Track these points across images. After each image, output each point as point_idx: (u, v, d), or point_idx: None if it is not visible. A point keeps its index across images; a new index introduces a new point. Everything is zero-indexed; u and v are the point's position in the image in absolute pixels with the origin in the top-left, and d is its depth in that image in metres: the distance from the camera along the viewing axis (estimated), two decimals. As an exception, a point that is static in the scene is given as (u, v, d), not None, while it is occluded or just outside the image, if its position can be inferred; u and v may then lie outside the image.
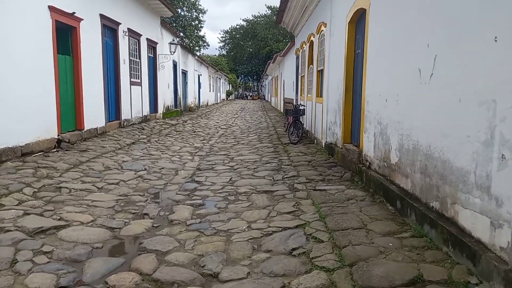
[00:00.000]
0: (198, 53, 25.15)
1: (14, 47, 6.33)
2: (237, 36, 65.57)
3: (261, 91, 69.66)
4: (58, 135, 7.64)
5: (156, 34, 14.89)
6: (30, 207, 4.37)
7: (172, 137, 11.27)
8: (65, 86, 8.07)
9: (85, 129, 8.82)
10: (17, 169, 5.84)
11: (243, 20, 65.00)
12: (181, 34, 21.60)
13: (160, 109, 15.88)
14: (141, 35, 12.93)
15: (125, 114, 11.53)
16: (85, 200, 4.80)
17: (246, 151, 8.82)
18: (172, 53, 15.62)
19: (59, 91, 7.61)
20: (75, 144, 8.24)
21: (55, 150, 7.48)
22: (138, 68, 12.91)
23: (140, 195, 5.15)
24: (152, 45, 14.58)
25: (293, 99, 15.89)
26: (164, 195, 5.28)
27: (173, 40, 15.67)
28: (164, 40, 16.01)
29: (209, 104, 33.58)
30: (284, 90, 21.30)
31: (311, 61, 11.01)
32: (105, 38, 10.19)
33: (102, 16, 9.68)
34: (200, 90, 28.68)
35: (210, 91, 35.32)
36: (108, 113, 10.40)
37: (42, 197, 4.79)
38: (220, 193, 5.28)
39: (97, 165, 6.70)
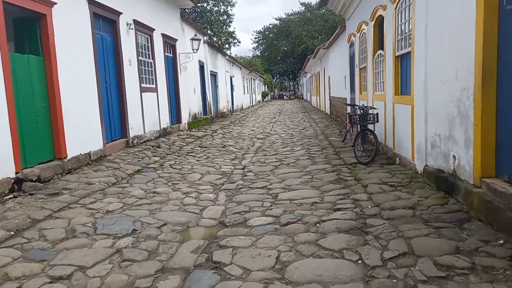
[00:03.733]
0: (228, 52, 22.56)
1: None
2: (271, 35, 63.68)
3: (298, 90, 66.73)
4: (16, 173, 5.15)
5: (174, 29, 12.37)
6: None
7: (194, 156, 8.61)
8: (30, 99, 5.60)
9: (69, 157, 6.32)
10: None
11: (276, 19, 62.70)
12: (208, 31, 19.06)
13: (185, 119, 13.36)
14: (154, 29, 10.41)
15: (134, 129, 9.02)
16: None
17: (296, 180, 5.94)
18: (195, 50, 13.05)
19: (14, 106, 5.11)
20: (50, 182, 5.74)
21: (11, 196, 4.98)
22: (151, 71, 10.40)
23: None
24: (170, 43, 12.07)
25: (345, 98, 12.80)
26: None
27: (195, 35, 13.10)
28: (185, 36, 13.49)
29: (243, 107, 30.99)
30: (330, 88, 18.18)
31: (377, 46, 7.95)
32: (99, 32, 7.70)
33: (91, 2, 7.18)
34: (233, 93, 26.12)
35: (244, 93, 32.73)
36: (107, 131, 7.90)
37: None
38: (261, 311, 2.47)
39: (57, 226, 4.08)
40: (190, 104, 14.24)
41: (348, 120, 7.75)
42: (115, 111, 8.34)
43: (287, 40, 59.76)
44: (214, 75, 19.68)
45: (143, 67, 9.87)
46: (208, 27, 19.38)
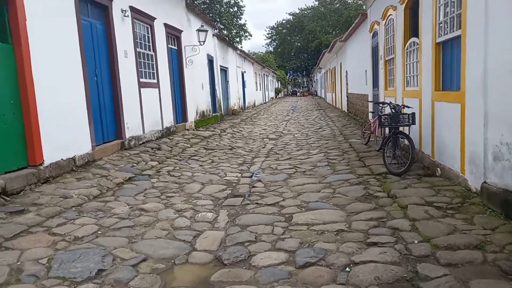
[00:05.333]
0: (239, 46, 21.46)
1: None
2: (284, 31, 62.78)
3: (312, 86, 65.44)
4: (-30, 186, 4.21)
5: (179, 19, 11.37)
6: None
7: (197, 161, 7.61)
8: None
9: (46, 164, 5.37)
10: None
11: (289, 14, 61.67)
12: (218, 24, 18.01)
13: (192, 117, 12.38)
14: (155, 18, 9.42)
15: (131, 129, 8.06)
16: None
17: (314, 195, 4.87)
18: (202, 43, 12.02)
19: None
20: (20, 194, 4.80)
21: (-38, 214, 4.05)
22: (152, 64, 9.42)
23: None
24: (174, 34, 11.08)
25: (365, 95, 11.62)
26: None
27: (202, 26, 12.05)
28: (192, 28, 12.48)
29: (256, 104, 29.93)
30: (347, 84, 16.96)
31: (408, 33, 6.78)
32: (87, 18, 6.74)
33: (75, -17, 6.21)
34: (245, 89, 25.07)
35: (256, 90, 31.66)
36: (98, 131, 6.95)
37: None
38: None
39: (1, 263, 3.11)
40: (198, 100, 13.25)
41: (376, 121, 6.63)
42: (107, 109, 7.38)
43: (301, 35, 58.61)
44: (224, 70, 18.65)
45: (142, 60, 8.90)
46: (218, 19, 18.28)
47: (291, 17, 60.86)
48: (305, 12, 58.93)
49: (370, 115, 9.18)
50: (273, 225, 3.90)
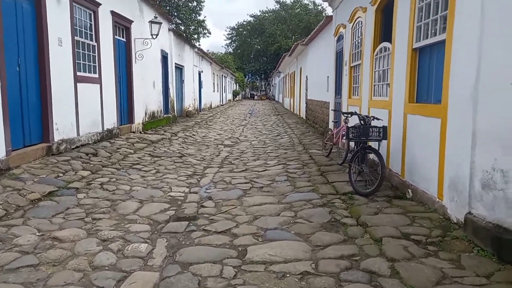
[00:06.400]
0: (197, 44, 20.43)
1: None
2: (244, 32, 62.21)
3: (270, 91, 65.31)
4: None
5: (130, 8, 10.25)
6: None
7: (139, 170, 6.62)
8: None
9: None
10: None
11: (250, 16, 61.30)
12: (175, 19, 16.90)
13: (139, 118, 11.25)
14: (100, 4, 8.29)
15: (62, 130, 6.90)
16: None
17: (273, 220, 4.12)
18: (154, 36, 10.94)
19: None
20: None
21: None
22: (94, 56, 8.27)
23: None
24: (123, 24, 9.94)
25: (326, 102, 11.15)
26: None
27: (155, 17, 10.96)
28: (145, 19, 11.37)
29: (212, 106, 28.93)
30: (306, 90, 16.54)
31: (379, 38, 6.29)
32: (6, -5, 5.56)
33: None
34: (202, 90, 24.01)
35: (214, 91, 30.66)
36: (17, 133, 5.77)
37: None
38: None
39: None
40: (148, 100, 12.12)
41: (340, 132, 6.04)
42: (32, 107, 6.20)
43: (261, 38, 58.35)
44: (180, 69, 17.56)
45: (81, 51, 7.74)
46: (175, 13, 17.16)
47: (252, 19, 60.59)
48: (266, 15, 58.82)
49: (332, 124, 8.67)
50: (223, 264, 3.11)
